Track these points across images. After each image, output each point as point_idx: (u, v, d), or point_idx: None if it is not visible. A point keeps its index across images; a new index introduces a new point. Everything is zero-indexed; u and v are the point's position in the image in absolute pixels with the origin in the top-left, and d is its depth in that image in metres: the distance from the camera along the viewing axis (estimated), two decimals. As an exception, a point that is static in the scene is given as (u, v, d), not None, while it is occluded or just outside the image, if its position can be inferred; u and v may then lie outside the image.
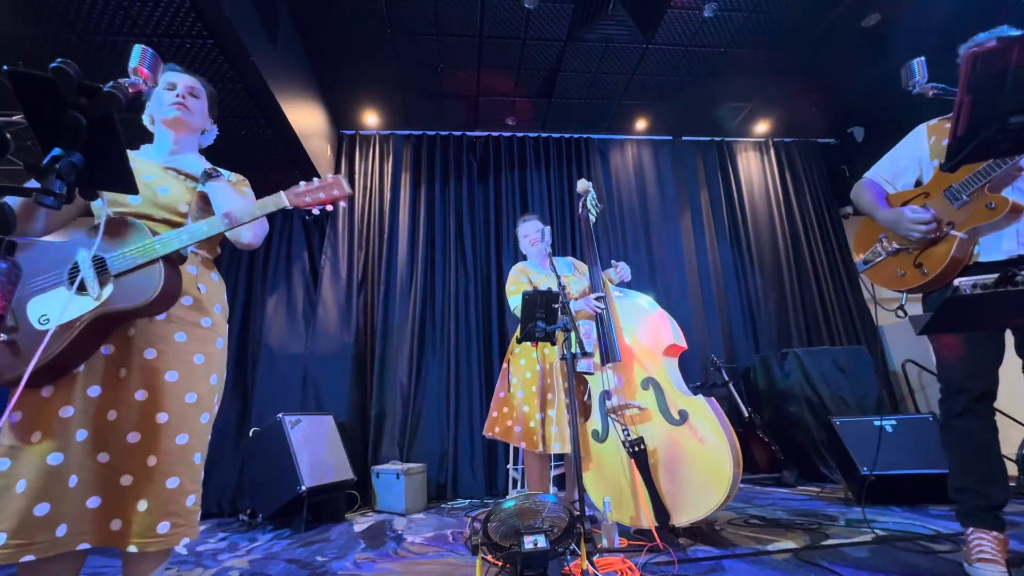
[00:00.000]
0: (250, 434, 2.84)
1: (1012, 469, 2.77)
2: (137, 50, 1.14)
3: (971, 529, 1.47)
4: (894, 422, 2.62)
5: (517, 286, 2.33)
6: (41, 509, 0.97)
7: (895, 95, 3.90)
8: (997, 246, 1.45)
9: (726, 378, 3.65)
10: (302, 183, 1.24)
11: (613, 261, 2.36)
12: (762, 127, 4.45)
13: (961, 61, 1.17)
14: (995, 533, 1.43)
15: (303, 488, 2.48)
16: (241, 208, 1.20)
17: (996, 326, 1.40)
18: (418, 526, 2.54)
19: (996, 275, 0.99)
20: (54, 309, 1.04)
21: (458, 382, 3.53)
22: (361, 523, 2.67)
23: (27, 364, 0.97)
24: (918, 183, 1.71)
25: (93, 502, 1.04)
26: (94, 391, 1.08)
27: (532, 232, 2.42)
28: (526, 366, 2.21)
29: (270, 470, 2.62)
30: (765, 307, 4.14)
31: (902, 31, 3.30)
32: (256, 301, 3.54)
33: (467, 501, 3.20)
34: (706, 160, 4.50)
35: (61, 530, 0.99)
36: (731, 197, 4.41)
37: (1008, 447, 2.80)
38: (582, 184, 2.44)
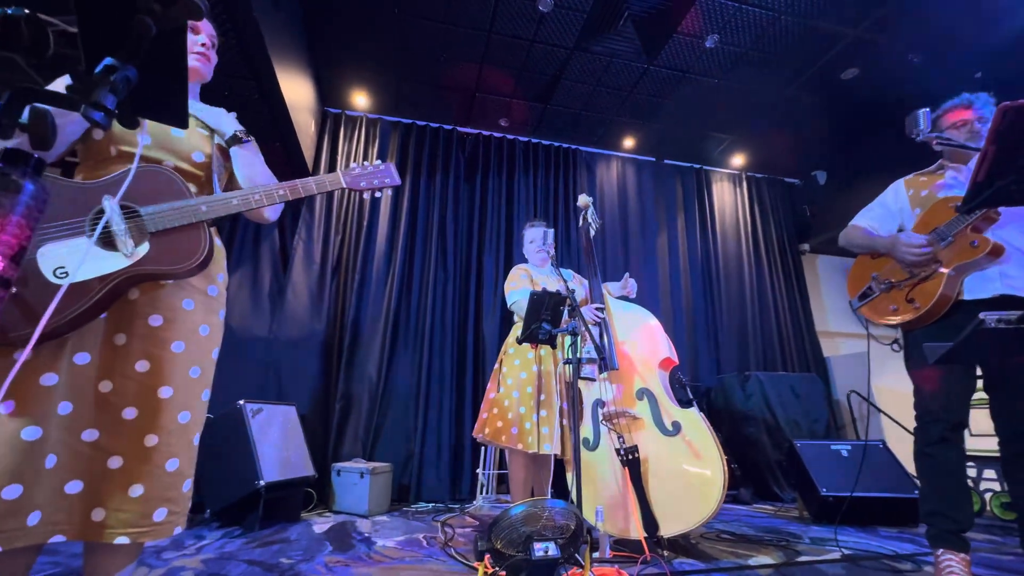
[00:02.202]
0: (201, 421, 2.59)
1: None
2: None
3: (941, 551, 1.56)
4: (849, 447, 2.79)
5: (518, 283, 2.29)
6: (11, 492, 0.81)
7: (858, 145, 4.26)
8: (983, 287, 1.56)
9: (691, 396, 3.76)
10: (355, 166, 1.22)
11: (627, 274, 2.38)
12: (738, 160, 4.68)
13: (993, 113, 1.26)
14: (962, 555, 1.53)
15: (262, 483, 2.28)
16: (292, 183, 1.12)
17: (1006, 361, 1.50)
18: (385, 529, 2.40)
19: (1020, 312, 1.06)
20: (74, 262, 0.88)
21: (429, 380, 3.40)
22: (320, 524, 2.49)
23: (36, 322, 0.81)
24: (900, 231, 1.86)
25: (73, 487, 0.89)
26: (82, 358, 0.92)
27: (537, 238, 2.40)
28: (521, 366, 2.16)
29: (224, 461, 2.39)
30: (728, 330, 4.32)
31: (874, 88, 3.59)
32: (216, 277, 3.25)
33: (431, 504, 3.08)
34: (685, 185, 4.67)
35: (33, 518, 0.83)
36: (705, 223, 4.60)
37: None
38: (583, 199, 2.46)
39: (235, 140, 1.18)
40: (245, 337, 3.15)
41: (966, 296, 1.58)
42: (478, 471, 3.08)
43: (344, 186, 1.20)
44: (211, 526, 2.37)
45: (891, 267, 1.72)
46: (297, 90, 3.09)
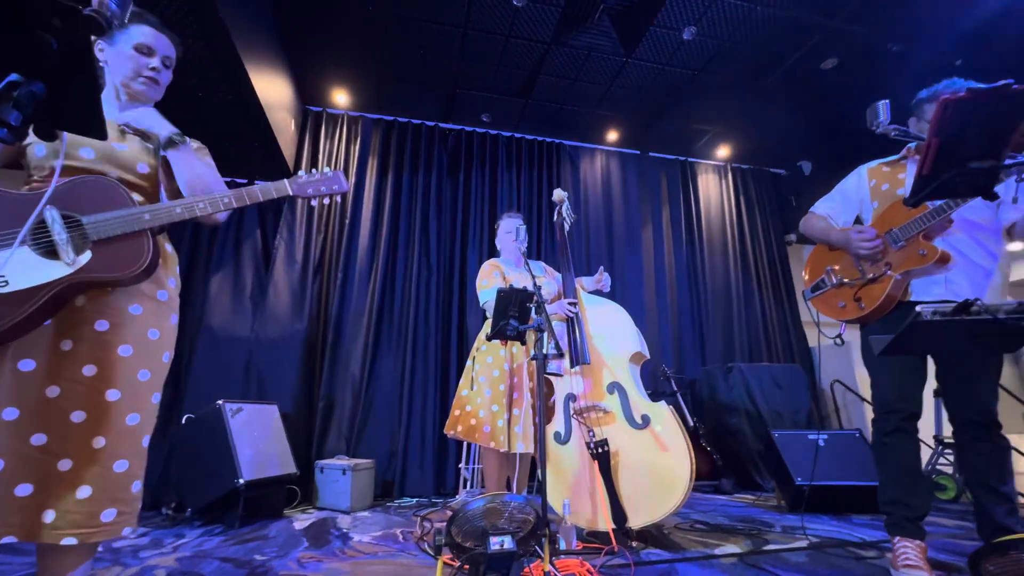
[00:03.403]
0: (182, 421, 2.62)
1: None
2: (105, -19, 1.02)
3: (897, 538, 1.59)
4: (826, 436, 2.82)
5: (489, 280, 2.30)
6: None
7: (842, 134, 4.25)
8: (928, 290, 1.60)
9: (675, 388, 3.79)
10: (302, 173, 1.23)
11: (601, 267, 2.39)
12: (723, 152, 4.68)
13: (935, 106, 1.27)
14: (917, 541, 1.56)
15: (241, 481, 2.31)
16: (238, 191, 1.13)
17: (948, 352, 1.53)
18: (364, 524, 2.43)
19: (954, 304, 1.08)
20: (16, 271, 0.91)
21: (412, 378, 3.43)
22: (302, 520, 2.52)
23: None
24: (858, 221, 1.87)
25: (23, 490, 0.92)
26: (27, 365, 0.95)
27: (513, 230, 2.39)
28: (493, 364, 2.18)
29: (204, 460, 2.42)
30: (713, 322, 4.34)
31: (855, 77, 3.58)
32: (198, 278, 3.27)
33: (414, 500, 3.12)
34: (669, 177, 4.67)
35: None
36: (690, 215, 4.60)
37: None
38: (558, 193, 2.46)
39: (170, 144, 1.16)
40: (227, 337, 3.16)
41: (913, 297, 1.62)
42: (460, 466, 3.11)
43: (290, 193, 1.20)
44: (192, 524, 2.40)
45: (845, 263, 1.74)
46: (274, 90, 3.08)
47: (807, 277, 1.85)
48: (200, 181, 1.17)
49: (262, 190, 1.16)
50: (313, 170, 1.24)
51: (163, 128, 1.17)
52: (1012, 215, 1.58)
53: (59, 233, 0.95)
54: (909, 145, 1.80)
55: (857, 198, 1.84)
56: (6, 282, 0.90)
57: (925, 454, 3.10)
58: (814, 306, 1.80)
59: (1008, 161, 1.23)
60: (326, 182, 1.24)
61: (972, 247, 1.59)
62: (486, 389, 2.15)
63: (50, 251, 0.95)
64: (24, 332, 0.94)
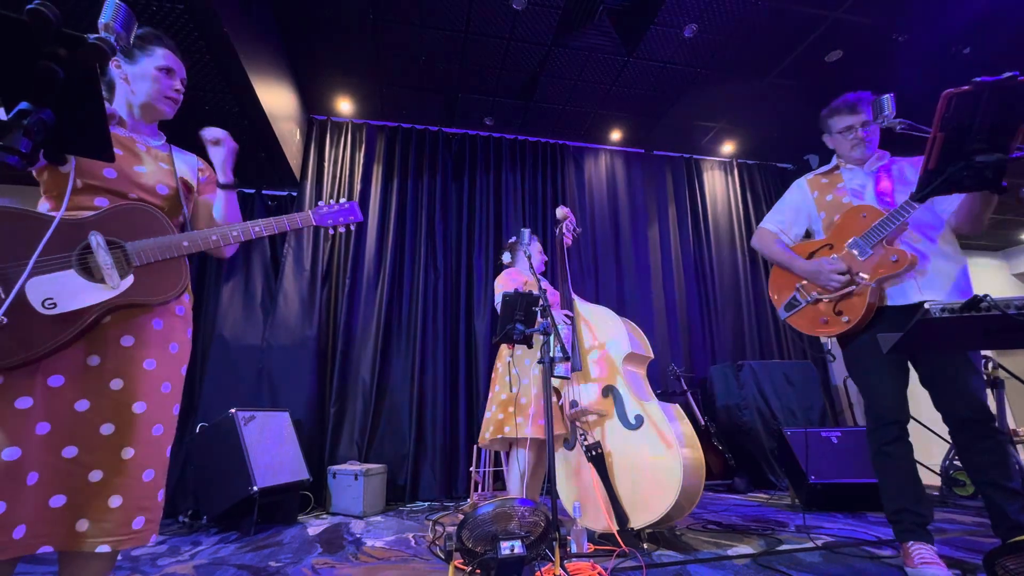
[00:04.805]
0: (196, 430, 2.66)
1: (934, 479, 3.02)
2: (111, 5, 1.04)
3: (911, 543, 1.57)
4: (839, 434, 2.79)
5: (505, 285, 2.29)
6: None
7: (849, 128, 4.19)
8: (903, 294, 1.61)
9: (685, 387, 3.77)
10: (322, 204, 1.35)
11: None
12: (728, 148, 4.64)
13: (939, 100, 1.26)
14: (929, 545, 1.55)
15: (255, 488, 2.34)
16: (268, 220, 1.23)
17: (945, 351, 1.52)
18: (377, 529, 2.45)
19: (963, 300, 1.06)
20: (64, 294, 0.96)
21: (422, 380, 3.45)
22: (315, 526, 2.55)
23: (28, 350, 0.90)
24: (807, 234, 1.89)
25: (56, 501, 0.95)
26: (56, 380, 0.99)
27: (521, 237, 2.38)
28: (530, 366, 2.16)
29: (218, 469, 2.45)
30: (722, 320, 4.31)
31: (860, 69, 3.54)
32: (209, 288, 3.32)
33: (426, 503, 3.13)
34: (675, 175, 4.64)
35: (19, 532, 0.90)
36: (696, 213, 4.57)
37: (931, 461, 3.05)
38: (561, 211, 2.46)
39: (228, 185, 1.36)
40: (239, 346, 3.21)
41: (889, 302, 1.63)
42: (471, 469, 3.12)
43: (313, 223, 1.31)
44: (209, 531, 2.44)
45: None
46: (279, 101, 3.12)
47: (776, 297, 1.85)
48: (231, 219, 1.36)
49: (289, 220, 1.25)
50: (332, 201, 1.36)
51: (229, 175, 1.37)
52: (948, 206, 1.61)
53: (104, 258, 1.00)
54: (836, 159, 1.85)
55: (803, 211, 1.87)
56: (54, 304, 0.95)
57: (941, 450, 3.07)
58: (791, 324, 1.80)
59: (1016, 154, 1.21)
60: (343, 213, 1.37)
61: (924, 242, 1.62)
62: (532, 388, 2.10)
63: (94, 275, 1.00)
64: (62, 350, 0.98)
